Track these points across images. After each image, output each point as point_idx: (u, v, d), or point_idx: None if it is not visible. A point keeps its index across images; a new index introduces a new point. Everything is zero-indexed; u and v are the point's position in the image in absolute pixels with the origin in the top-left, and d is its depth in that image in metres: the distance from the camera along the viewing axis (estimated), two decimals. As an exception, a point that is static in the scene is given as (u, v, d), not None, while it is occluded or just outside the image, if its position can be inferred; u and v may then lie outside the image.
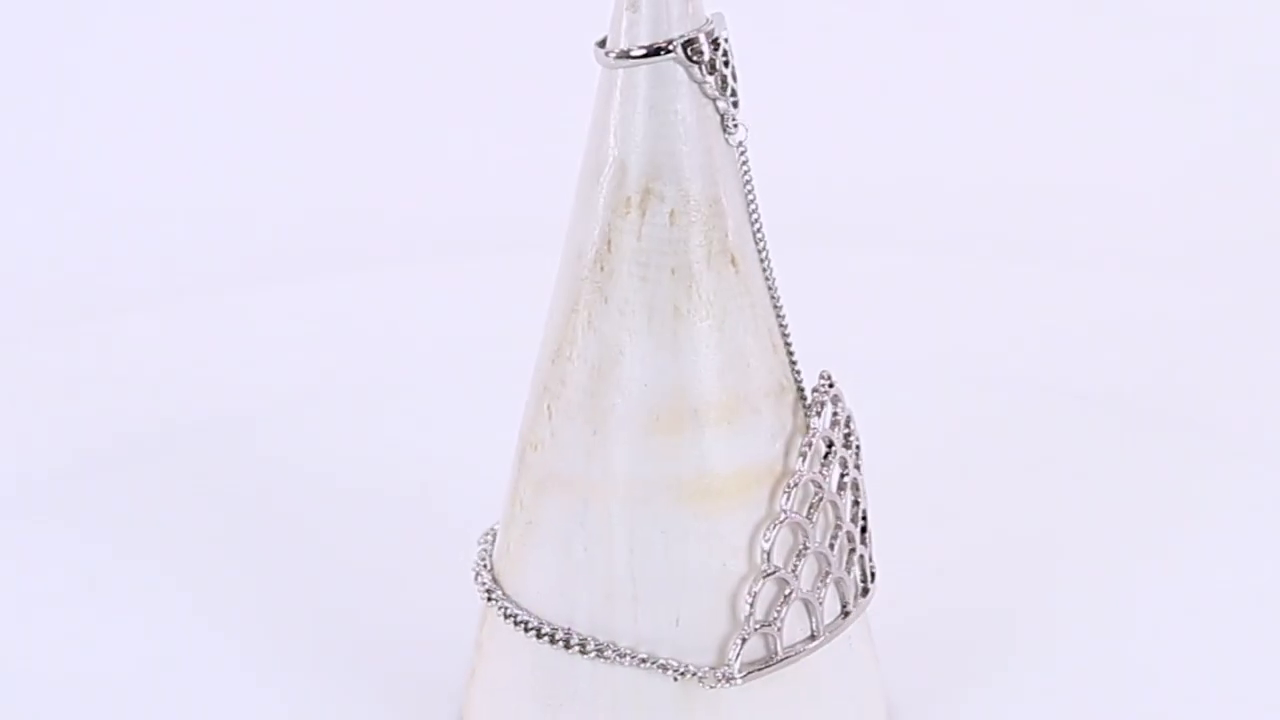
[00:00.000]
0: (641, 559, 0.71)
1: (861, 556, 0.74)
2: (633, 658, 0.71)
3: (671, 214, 0.69)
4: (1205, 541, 0.91)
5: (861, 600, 0.75)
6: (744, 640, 0.71)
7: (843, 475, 0.73)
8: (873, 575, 0.75)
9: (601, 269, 0.70)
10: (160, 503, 0.95)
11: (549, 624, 0.72)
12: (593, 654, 0.71)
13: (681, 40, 0.68)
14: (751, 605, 0.71)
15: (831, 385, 0.73)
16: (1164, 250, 1.28)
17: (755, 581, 0.71)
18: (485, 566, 0.75)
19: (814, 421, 0.72)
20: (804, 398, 0.73)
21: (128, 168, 1.37)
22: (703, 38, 0.68)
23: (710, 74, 0.69)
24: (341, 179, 1.38)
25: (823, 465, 0.72)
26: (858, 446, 0.74)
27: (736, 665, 0.71)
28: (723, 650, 0.71)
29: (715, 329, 0.70)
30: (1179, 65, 1.41)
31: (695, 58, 0.68)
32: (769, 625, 0.71)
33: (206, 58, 1.42)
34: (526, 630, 0.73)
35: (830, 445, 0.72)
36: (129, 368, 1.10)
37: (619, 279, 0.70)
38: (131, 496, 0.96)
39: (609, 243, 0.70)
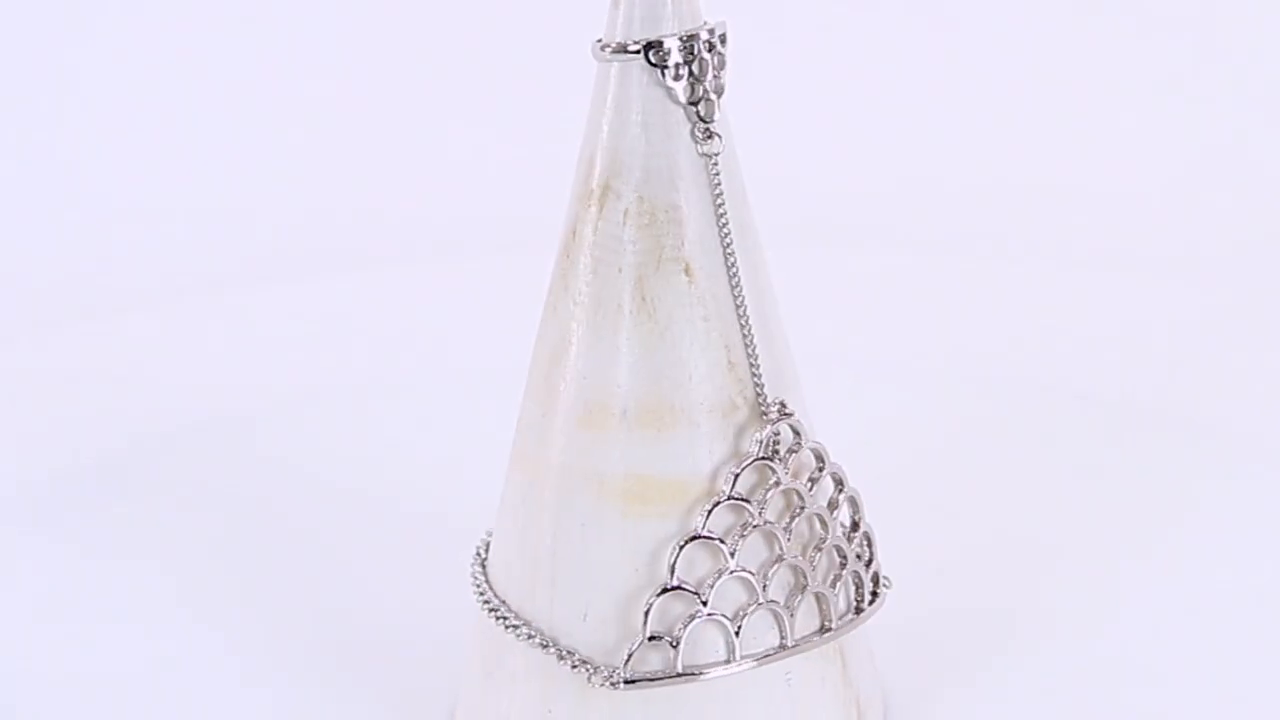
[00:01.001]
0: (563, 547, 0.71)
1: (818, 595, 0.72)
2: (543, 640, 0.71)
3: (625, 213, 0.69)
4: (1205, 541, 0.91)
5: (815, 637, 0.72)
6: (637, 647, 0.70)
7: (799, 509, 0.71)
8: (856, 610, 0.73)
9: (567, 257, 0.71)
10: (159, 503, 0.95)
11: (492, 595, 0.73)
12: (511, 631, 0.72)
13: (646, 41, 0.68)
14: (647, 615, 0.70)
15: (784, 414, 0.70)
16: (1164, 250, 1.28)
17: (654, 593, 0.70)
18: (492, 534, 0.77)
19: (751, 446, 0.70)
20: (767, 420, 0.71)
21: (128, 168, 1.37)
22: (673, 41, 0.68)
23: (678, 79, 0.68)
24: (341, 179, 1.38)
25: (765, 493, 0.70)
26: (839, 483, 0.72)
27: (626, 671, 0.70)
28: (618, 652, 0.71)
29: (656, 334, 0.69)
30: (1179, 65, 1.41)
31: (659, 61, 0.68)
32: (666, 639, 0.70)
33: (206, 58, 1.42)
34: (479, 598, 0.74)
35: (774, 474, 0.70)
36: (129, 368, 1.10)
37: (577, 269, 0.70)
38: (131, 497, 0.96)
39: (574, 232, 0.71)
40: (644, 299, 0.69)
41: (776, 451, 0.70)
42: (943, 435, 1.01)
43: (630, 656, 0.70)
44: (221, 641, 0.85)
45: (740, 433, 0.70)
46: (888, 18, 1.44)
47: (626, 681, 0.70)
